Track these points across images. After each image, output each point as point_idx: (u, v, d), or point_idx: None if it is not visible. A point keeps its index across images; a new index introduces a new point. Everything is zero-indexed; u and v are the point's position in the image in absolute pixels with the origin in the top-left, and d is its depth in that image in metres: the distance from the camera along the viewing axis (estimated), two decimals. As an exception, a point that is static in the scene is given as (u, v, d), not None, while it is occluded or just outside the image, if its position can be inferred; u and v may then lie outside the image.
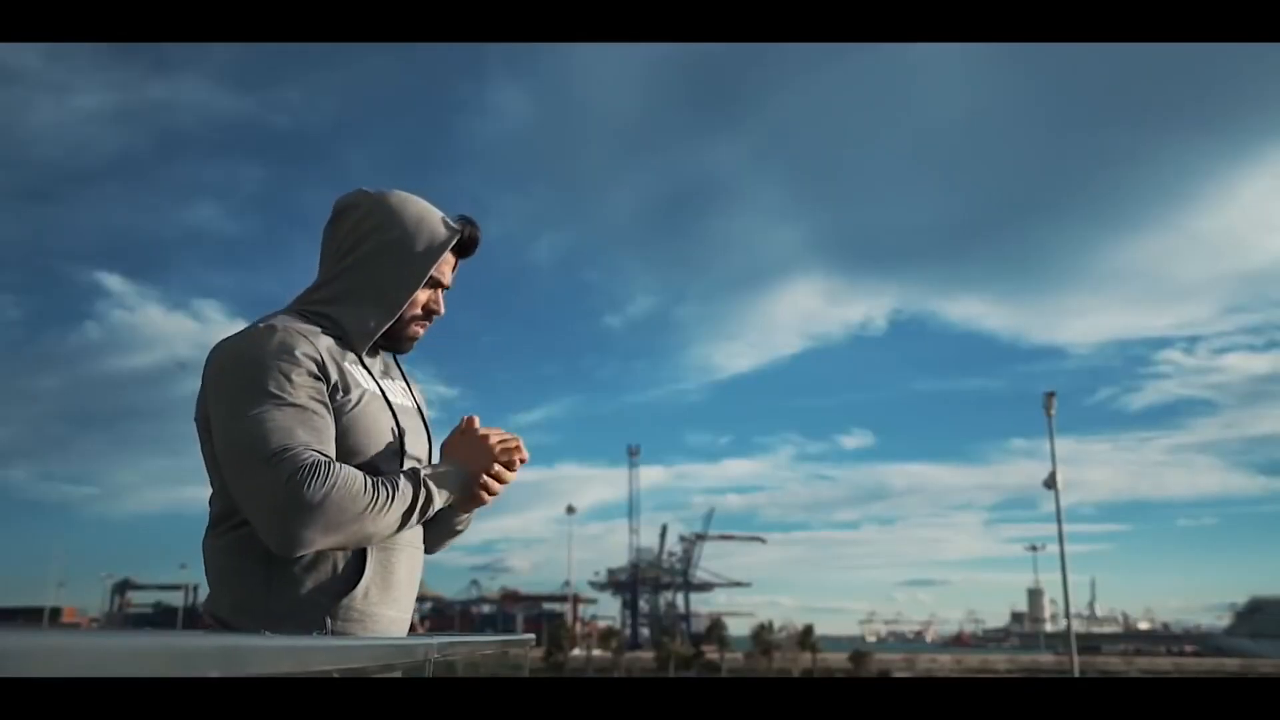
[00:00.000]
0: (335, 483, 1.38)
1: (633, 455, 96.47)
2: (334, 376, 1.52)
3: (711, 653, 61.99)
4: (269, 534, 1.39)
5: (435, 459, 1.70)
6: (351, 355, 1.60)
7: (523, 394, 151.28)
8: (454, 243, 1.66)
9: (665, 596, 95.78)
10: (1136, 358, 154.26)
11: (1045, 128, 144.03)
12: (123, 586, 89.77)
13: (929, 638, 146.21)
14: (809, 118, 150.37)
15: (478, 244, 1.72)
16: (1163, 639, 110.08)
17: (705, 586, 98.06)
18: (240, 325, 1.58)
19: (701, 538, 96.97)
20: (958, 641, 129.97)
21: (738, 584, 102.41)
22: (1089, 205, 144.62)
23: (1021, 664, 69.18)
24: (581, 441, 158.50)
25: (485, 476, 1.62)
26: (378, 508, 1.42)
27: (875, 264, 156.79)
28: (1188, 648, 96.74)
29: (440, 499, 1.53)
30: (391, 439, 1.58)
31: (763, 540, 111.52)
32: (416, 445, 1.65)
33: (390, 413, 1.60)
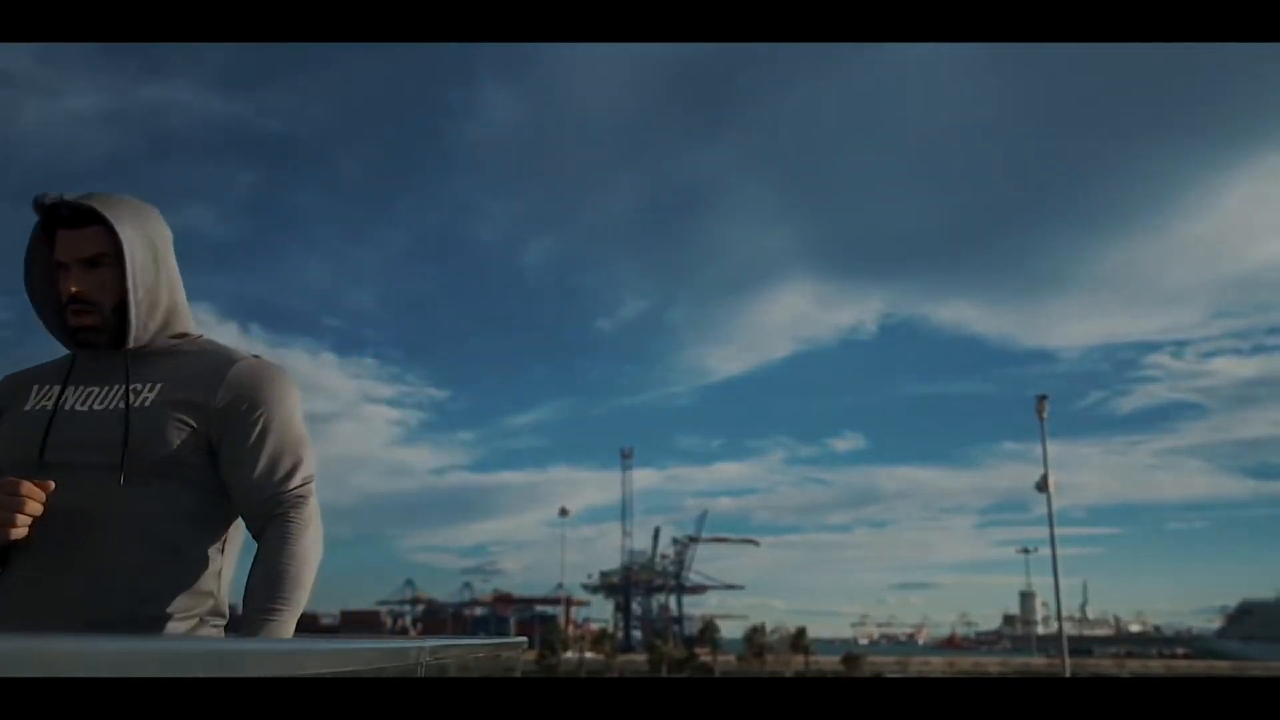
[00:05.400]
0: None
1: (625, 458, 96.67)
2: (4, 406, 1.70)
3: (704, 655, 61.98)
4: None
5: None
6: (56, 373, 1.70)
7: (514, 397, 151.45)
8: (45, 221, 1.66)
9: (658, 599, 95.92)
10: (1125, 361, 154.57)
11: (1035, 132, 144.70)
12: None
13: (921, 640, 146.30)
14: (799, 121, 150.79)
15: (55, 208, 1.62)
16: (1154, 642, 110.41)
17: (698, 589, 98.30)
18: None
19: (694, 540, 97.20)
20: (950, 644, 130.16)
21: (730, 586, 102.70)
22: (1078, 210, 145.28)
23: (1014, 666, 69.34)
24: (573, 444, 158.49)
25: None
26: None
27: (866, 268, 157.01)
28: (1179, 650, 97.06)
29: None
30: (23, 454, 1.60)
31: (755, 543, 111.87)
32: (80, 452, 1.60)
33: (43, 426, 1.62)
